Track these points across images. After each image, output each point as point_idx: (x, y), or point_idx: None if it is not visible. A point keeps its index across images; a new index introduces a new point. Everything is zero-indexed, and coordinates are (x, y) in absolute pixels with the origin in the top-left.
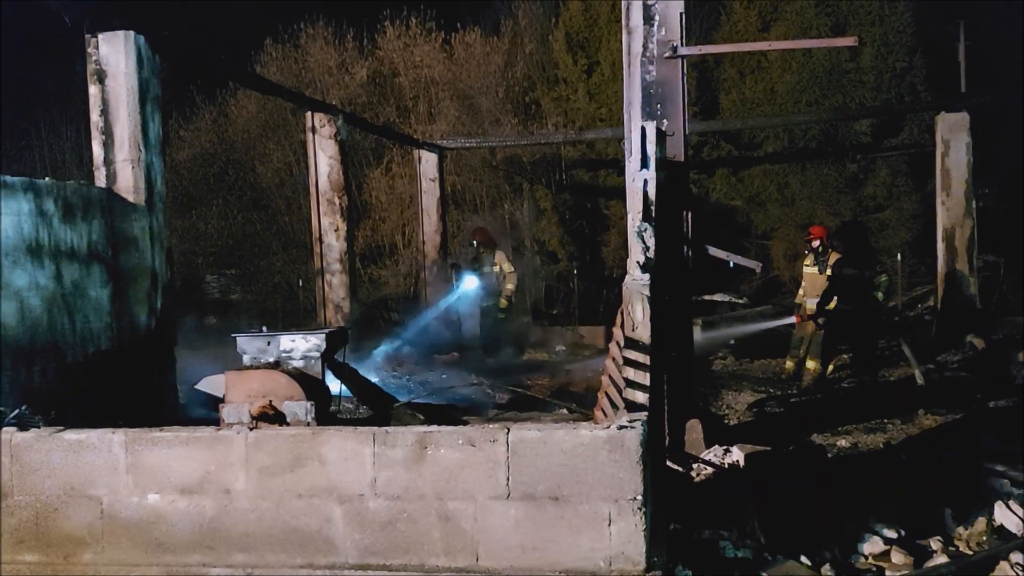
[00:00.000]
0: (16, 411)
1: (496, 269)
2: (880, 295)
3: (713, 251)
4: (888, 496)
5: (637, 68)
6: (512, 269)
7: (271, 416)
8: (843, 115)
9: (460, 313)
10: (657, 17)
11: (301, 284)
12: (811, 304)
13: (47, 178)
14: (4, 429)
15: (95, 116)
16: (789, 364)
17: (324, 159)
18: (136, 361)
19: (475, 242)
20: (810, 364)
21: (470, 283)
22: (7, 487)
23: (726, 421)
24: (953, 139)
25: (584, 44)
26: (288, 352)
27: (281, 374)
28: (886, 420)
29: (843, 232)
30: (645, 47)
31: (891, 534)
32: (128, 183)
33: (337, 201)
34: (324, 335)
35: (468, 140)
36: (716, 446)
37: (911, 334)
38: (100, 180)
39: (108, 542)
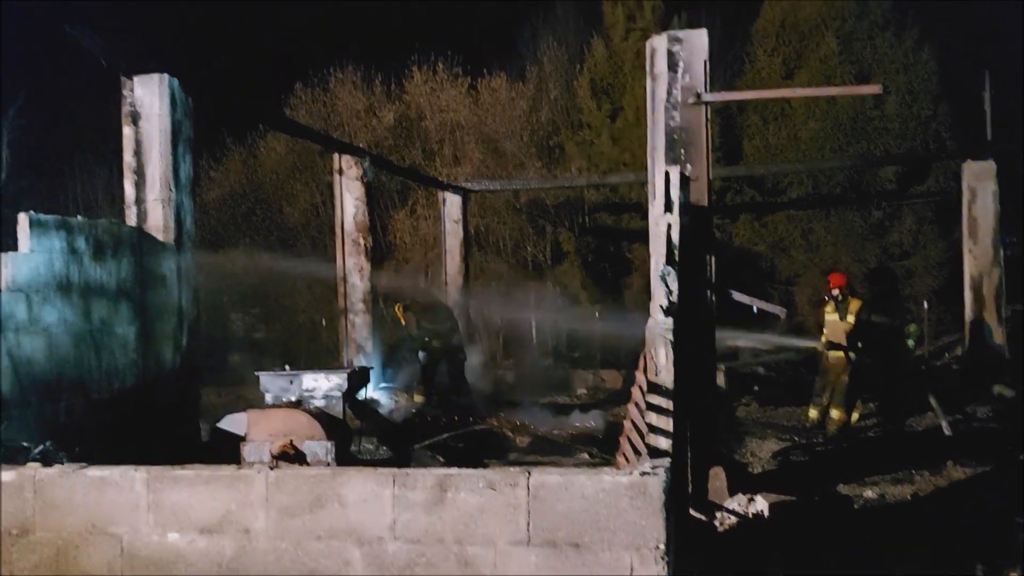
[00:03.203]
0: (41, 447)
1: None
2: (911, 343)
3: (737, 296)
4: (917, 550)
5: (661, 114)
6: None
7: (292, 455)
8: (868, 162)
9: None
10: (681, 64)
11: (324, 323)
12: (832, 352)
13: (79, 216)
14: (28, 465)
15: (128, 156)
16: (812, 413)
17: (350, 200)
18: (161, 398)
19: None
20: (834, 413)
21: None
22: (29, 523)
23: (750, 469)
24: (980, 187)
25: (608, 90)
26: (310, 391)
27: (302, 413)
28: (913, 471)
29: (874, 278)
30: (669, 93)
31: None
32: (158, 222)
33: (362, 242)
34: (346, 374)
35: (492, 183)
36: (740, 494)
37: (938, 384)
38: (131, 219)
39: None
